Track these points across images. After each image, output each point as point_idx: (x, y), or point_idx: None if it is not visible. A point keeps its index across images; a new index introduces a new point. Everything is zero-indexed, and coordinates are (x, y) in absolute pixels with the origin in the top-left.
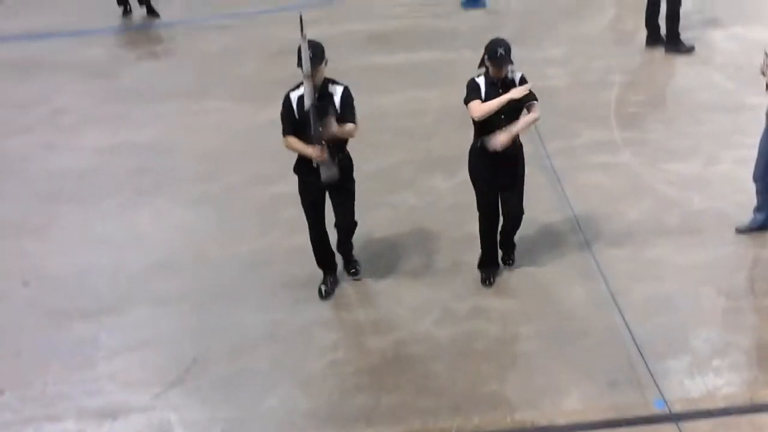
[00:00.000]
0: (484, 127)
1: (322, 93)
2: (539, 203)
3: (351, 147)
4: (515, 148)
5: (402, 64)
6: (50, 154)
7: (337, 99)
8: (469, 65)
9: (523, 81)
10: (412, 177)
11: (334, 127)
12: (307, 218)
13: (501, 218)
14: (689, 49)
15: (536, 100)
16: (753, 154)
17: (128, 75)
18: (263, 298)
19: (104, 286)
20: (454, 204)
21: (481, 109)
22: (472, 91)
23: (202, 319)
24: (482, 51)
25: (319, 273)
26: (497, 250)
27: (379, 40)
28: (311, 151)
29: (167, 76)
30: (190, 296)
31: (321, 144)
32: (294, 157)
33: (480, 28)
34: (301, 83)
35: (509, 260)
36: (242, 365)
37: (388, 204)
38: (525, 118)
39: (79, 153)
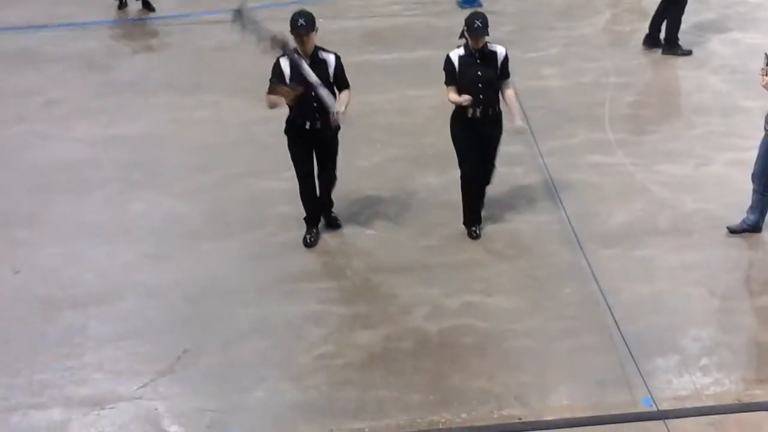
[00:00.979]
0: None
1: (314, 60)
2: (532, 202)
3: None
4: (492, 112)
5: (396, 61)
6: (43, 144)
7: (331, 67)
8: None
9: (506, 58)
10: (405, 174)
11: (342, 107)
12: (296, 171)
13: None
14: (686, 53)
15: (509, 76)
16: (745, 156)
17: (123, 67)
18: (254, 291)
19: (94, 276)
20: (447, 201)
21: (454, 99)
22: (448, 76)
23: (192, 311)
24: None
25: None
26: (479, 207)
27: (374, 38)
28: (284, 93)
29: (161, 69)
30: (180, 288)
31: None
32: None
33: None
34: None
35: (475, 230)
36: (232, 357)
37: (380, 200)
38: (514, 103)
39: (72, 144)
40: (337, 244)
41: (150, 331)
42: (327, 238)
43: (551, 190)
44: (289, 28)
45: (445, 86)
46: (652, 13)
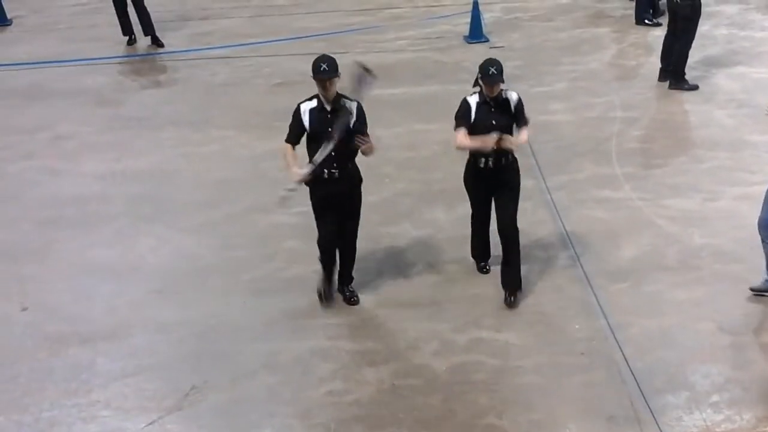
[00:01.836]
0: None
1: (336, 107)
2: (540, 237)
3: None
4: (506, 161)
5: (404, 96)
6: (52, 179)
7: (353, 116)
8: None
9: (519, 103)
10: (412, 208)
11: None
12: (318, 222)
13: (497, 229)
14: (693, 87)
15: (527, 121)
16: (753, 191)
17: (131, 103)
18: (262, 326)
19: (103, 312)
20: (454, 236)
21: (462, 142)
22: (460, 118)
23: (200, 347)
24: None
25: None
26: (488, 244)
27: (381, 73)
28: (294, 172)
29: (170, 104)
30: (188, 324)
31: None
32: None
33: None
34: (315, 96)
35: (510, 298)
36: (240, 393)
37: (388, 235)
38: (520, 138)
39: (81, 179)
40: None
41: (158, 368)
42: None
43: (559, 226)
44: (311, 74)
45: (454, 131)
46: (658, 47)
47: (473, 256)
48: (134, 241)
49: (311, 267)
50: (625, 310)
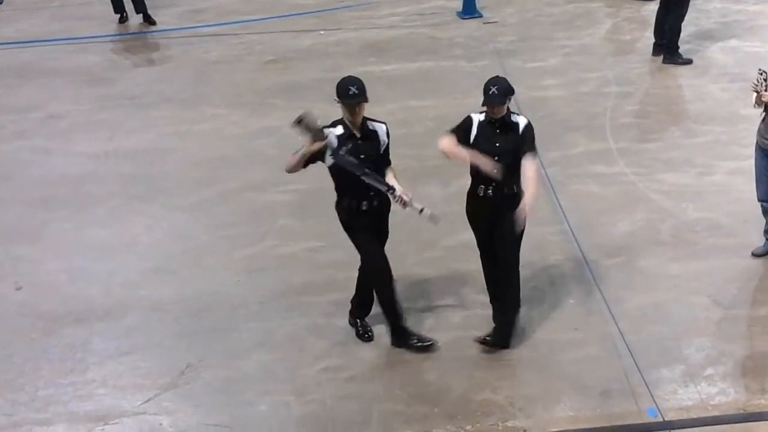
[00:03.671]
0: (477, 169)
1: (365, 133)
2: (534, 213)
3: None
4: (508, 191)
5: (397, 73)
6: (44, 159)
7: (382, 141)
8: (464, 75)
9: (527, 129)
10: (407, 186)
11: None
12: (363, 248)
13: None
14: (686, 62)
15: (534, 151)
16: (747, 164)
17: (124, 81)
18: (257, 304)
19: (97, 292)
20: (449, 212)
21: (447, 147)
22: (456, 128)
23: (195, 325)
24: (477, 61)
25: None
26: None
27: (374, 49)
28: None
29: (162, 82)
30: (183, 302)
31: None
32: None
33: (476, 38)
34: (339, 122)
35: (494, 343)
36: (235, 371)
37: None
38: (532, 184)
39: (74, 159)
40: (339, 257)
41: (153, 346)
42: (329, 251)
43: (553, 201)
44: (336, 98)
45: (446, 133)
46: (652, 22)
47: (491, 301)
48: (128, 221)
49: (305, 245)
50: (619, 285)
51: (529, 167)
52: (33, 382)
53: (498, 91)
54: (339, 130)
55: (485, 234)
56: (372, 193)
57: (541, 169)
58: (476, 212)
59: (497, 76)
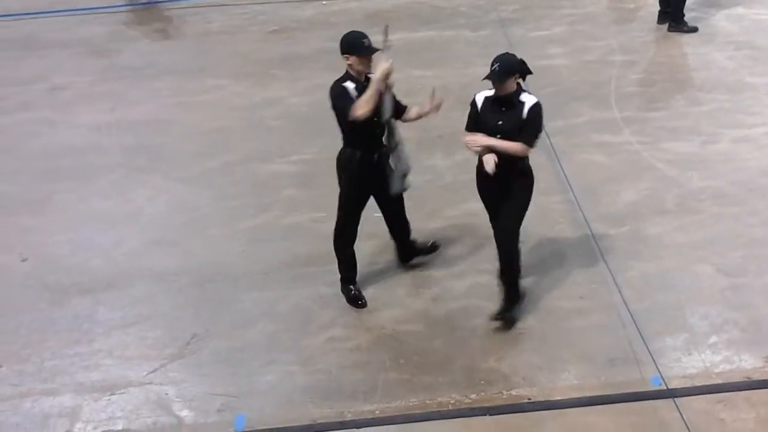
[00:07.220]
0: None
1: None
2: (538, 181)
3: None
4: (511, 167)
5: (400, 42)
6: (48, 130)
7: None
8: (468, 44)
9: (533, 111)
10: (410, 155)
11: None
12: (347, 216)
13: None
14: (692, 30)
15: (532, 139)
16: (752, 133)
17: (126, 52)
18: (261, 275)
19: (102, 263)
20: (453, 182)
21: (469, 144)
22: (468, 117)
23: (200, 296)
24: (480, 30)
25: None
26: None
27: (377, 19)
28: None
29: (165, 53)
30: (188, 273)
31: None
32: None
33: (479, 6)
34: (346, 77)
35: (501, 313)
36: (240, 341)
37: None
38: (511, 145)
39: (77, 130)
40: None
41: (158, 317)
42: (334, 221)
43: (558, 170)
44: (348, 50)
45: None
46: None
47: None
48: (131, 192)
49: (310, 215)
50: (624, 254)
51: (517, 143)
52: (39, 353)
53: (499, 69)
54: (351, 83)
55: (492, 211)
56: (383, 148)
57: (546, 138)
58: (482, 188)
59: (506, 53)
